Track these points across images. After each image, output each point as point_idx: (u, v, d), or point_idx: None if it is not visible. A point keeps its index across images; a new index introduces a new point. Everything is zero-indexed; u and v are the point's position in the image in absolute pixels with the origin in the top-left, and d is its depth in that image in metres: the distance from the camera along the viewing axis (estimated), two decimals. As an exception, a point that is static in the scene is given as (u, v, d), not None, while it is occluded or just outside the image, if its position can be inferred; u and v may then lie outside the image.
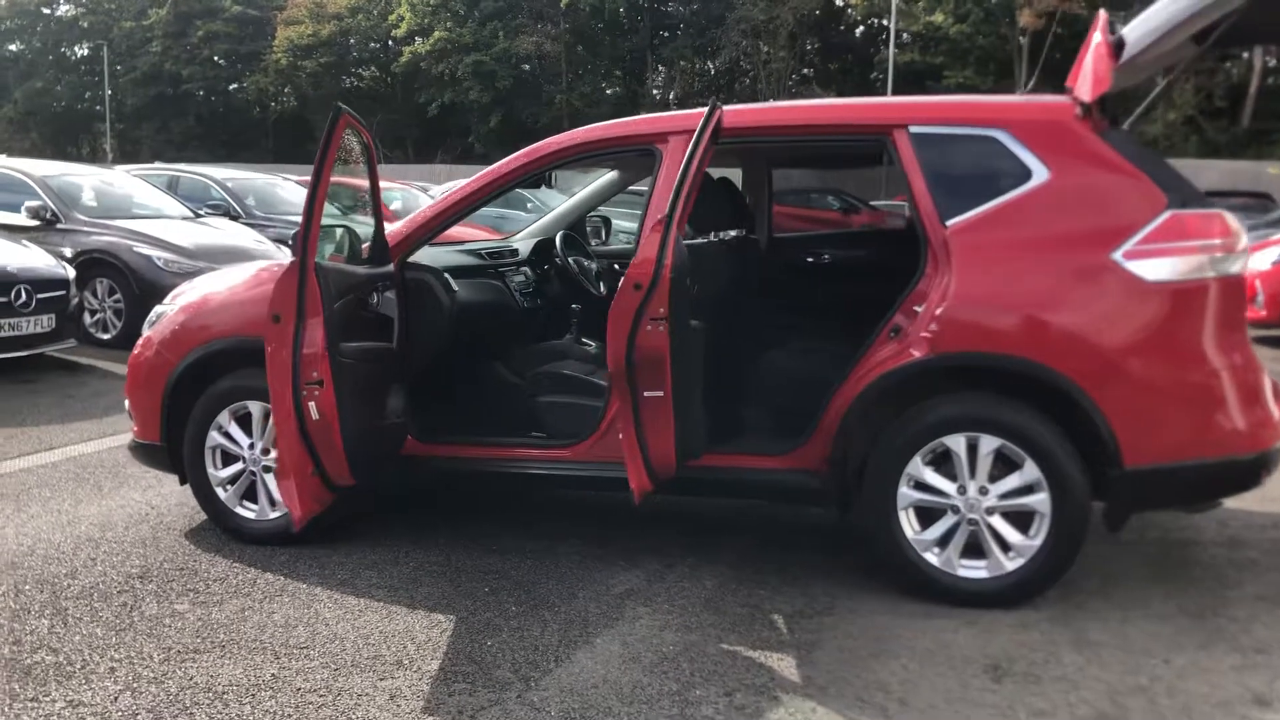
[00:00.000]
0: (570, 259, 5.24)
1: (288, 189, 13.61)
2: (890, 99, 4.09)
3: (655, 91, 56.22)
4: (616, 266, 5.78)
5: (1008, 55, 43.74)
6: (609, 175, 5.62)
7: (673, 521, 4.69)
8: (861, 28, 55.23)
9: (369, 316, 4.11)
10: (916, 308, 3.78)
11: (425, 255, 4.58)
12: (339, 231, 4.18)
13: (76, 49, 64.84)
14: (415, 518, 4.81)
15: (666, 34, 56.53)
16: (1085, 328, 3.62)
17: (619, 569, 4.21)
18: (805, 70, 54.13)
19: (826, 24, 54.20)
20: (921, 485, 3.78)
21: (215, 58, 59.71)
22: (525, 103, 53.67)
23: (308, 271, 3.59)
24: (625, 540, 4.50)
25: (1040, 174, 3.72)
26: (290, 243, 4.15)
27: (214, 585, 4.02)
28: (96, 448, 6.18)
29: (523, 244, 5.53)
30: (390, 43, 58.15)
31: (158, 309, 4.80)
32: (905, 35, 47.30)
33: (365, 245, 4.30)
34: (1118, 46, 3.72)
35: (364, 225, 4.55)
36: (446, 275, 4.46)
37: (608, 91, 57.23)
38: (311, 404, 3.62)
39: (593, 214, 5.95)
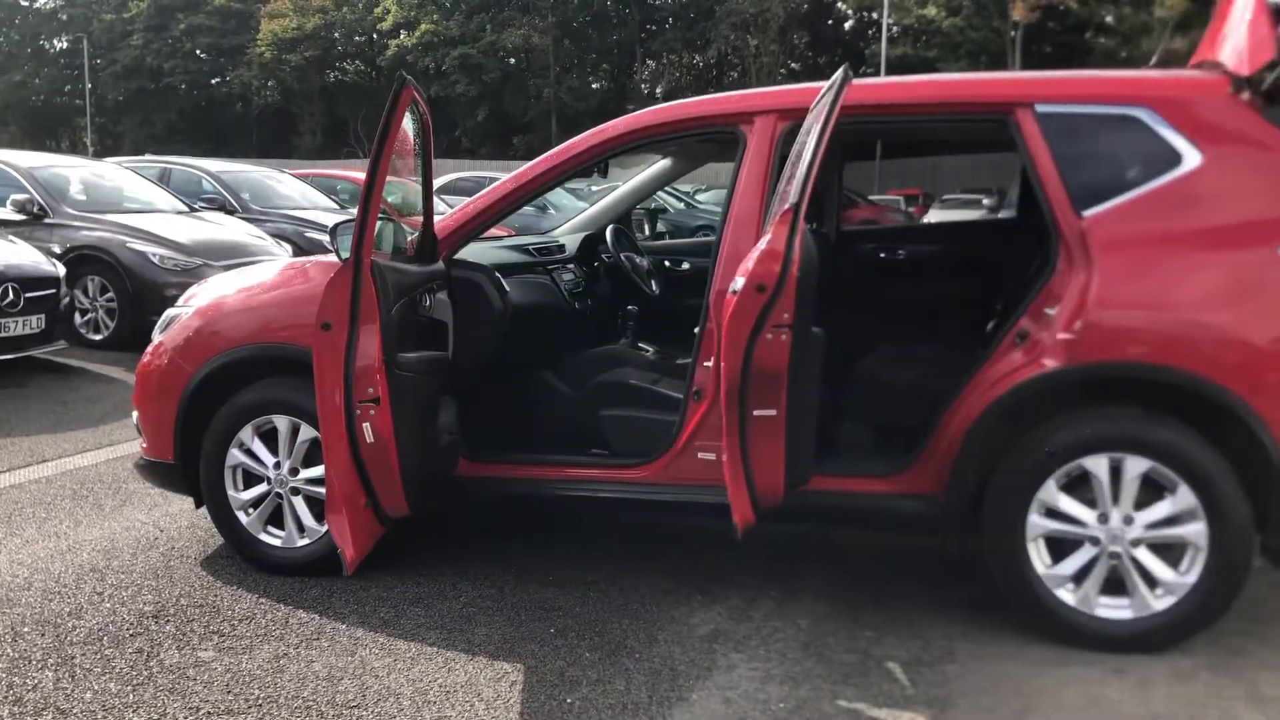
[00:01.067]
0: (623, 255, 4.77)
1: (285, 182, 13.07)
2: (1012, 74, 3.62)
3: (643, 85, 55.81)
4: (668, 263, 5.32)
5: (1000, 48, 43.47)
6: (659, 164, 5.14)
7: (742, 546, 4.20)
8: (852, 21, 54.95)
9: (421, 321, 3.63)
10: (1048, 310, 3.31)
11: (472, 252, 4.10)
12: (381, 224, 3.69)
13: (56, 41, 63.95)
14: (457, 544, 4.32)
15: (654, 27, 56.17)
16: (1250, 334, 3.17)
17: (696, 604, 3.74)
18: (794, 64, 53.82)
19: (816, 17, 53.95)
20: (1055, 513, 3.32)
21: (197, 51, 59.04)
22: (512, 96, 53.22)
23: (364, 271, 3.10)
24: (695, 569, 4.03)
25: (1191, 158, 3.27)
26: (329, 239, 3.65)
27: (240, 626, 3.54)
28: (94, 460, 5.69)
29: (569, 239, 5.05)
30: (375, 36, 57.55)
31: (170, 311, 4.30)
32: (896, 29, 46.99)
33: (411, 240, 3.81)
34: (1275, 12, 3.26)
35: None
36: (497, 274, 3.98)
37: (594, 86, 56.83)
38: (366, 425, 3.14)
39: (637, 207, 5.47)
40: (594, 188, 19.78)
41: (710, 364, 3.59)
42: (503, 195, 3.90)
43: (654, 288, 4.91)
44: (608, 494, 3.78)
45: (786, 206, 2.72)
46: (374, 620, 3.58)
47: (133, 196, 10.42)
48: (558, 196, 17.61)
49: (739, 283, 2.85)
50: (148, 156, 15.53)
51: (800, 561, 4.14)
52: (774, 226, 2.74)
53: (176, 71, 58.03)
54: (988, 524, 3.38)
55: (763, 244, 2.80)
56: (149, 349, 4.24)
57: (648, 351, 4.57)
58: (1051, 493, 3.30)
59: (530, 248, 4.68)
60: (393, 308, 3.25)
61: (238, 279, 4.28)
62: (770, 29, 49.68)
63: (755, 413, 2.90)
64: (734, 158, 3.77)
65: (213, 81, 60.41)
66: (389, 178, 3.28)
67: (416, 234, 3.81)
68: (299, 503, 3.92)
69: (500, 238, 5.22)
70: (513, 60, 54.36)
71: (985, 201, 19.06)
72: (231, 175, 12.38)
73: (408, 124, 3.52)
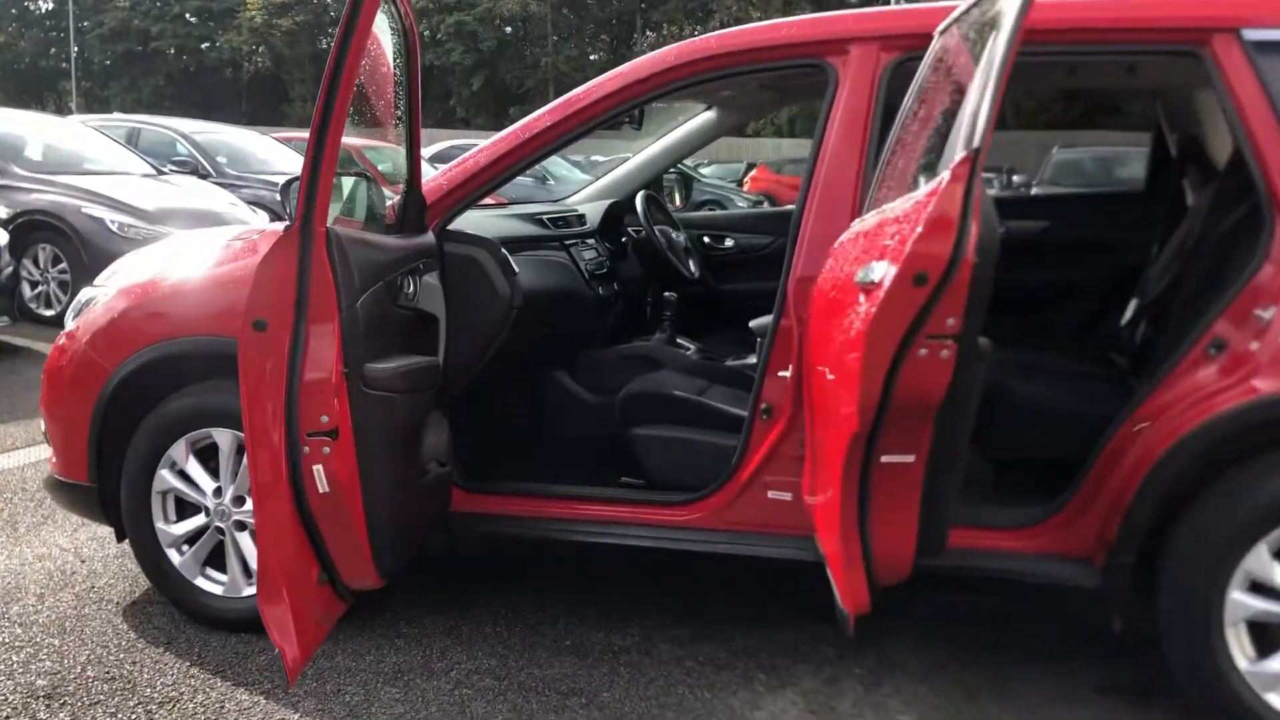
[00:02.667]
0: (656, 229, 3.87)
1: (264, 146, 12.11)
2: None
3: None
4: (707, 239, 4.42)
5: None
6: (701, 116, 4.21)
7: (801, 594, 3.30)
8: (857, -6, 53.95)
9: (403, 315, 2.71)
10: (1260, 311, 2.42)
11: (470, 222, 3.20)
12: (351, 182, 2.78)
13: (40, 2, 62.51)
14: (450, 589, 3.43)
15: (656, -3, 55.00)
16: None
17: (760, 687, 2.85)
18: (797, 38, 52.69)
19: (821, -10, 52.86)
20: (1266, 589, 2.44)
21: (186, 14, 57.82)
22: (508, 65, 52.22)
23: (314, 244, 2.20)
24: (755, 633, 3.15)
25: None
26: (280, 198, 2.72)
27: (158, 714, 2.65)
28: (20, 461, 4.81)
29: (590, 208, 4.13)
30: (369, 1, 56.27)
31: (86, 291, 3.41)
32: (904, 2, 45.97)
33: (390, 205, 2.90)
34: None
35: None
36: (504, 250, 3.07)
37: (592, 57, 55.78)
38: (318, 468, 2.23)
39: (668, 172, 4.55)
40: (596, 158, 18.78)
41: (786, 373, 2.71)
42: (513, 147, 2.99)
43: (693, 269, 4.02)
44: (643, 541, 2.92)
45: (963, 154, 1.79)
46: (336, 708, 2.70)
47: (94, 158, 9.50)
48: (555, 165, 16.63)
49: (879, 271, 1.93)
50: (116, 115, 14.59)
51: (885, 619, 3.25)
52: (947, 183, 1.82)
53: (165, 35, 56.77)
54: (1167, 599, 2.50)
55: (921, 208, 1.85)
56: (60, 339, 3.36)
57: (689, 349, 3.68)
58: (1263, 561, 2.42)
59: (544, 218, 3.76)
60: (360, 297, 2.34)
61: (172, 251, 3.39)
62: (774, 2, 48.57)
63: (884, 459, 2.00)
64: (815, 102, 2.89)
65: (202, 46, 59.12)
66: (355, 117, 2.37)
67: (398, 196, 2.89)
68: (245, 540, 3.04)
69: (501, 205, 4.31)
70: (509, 29, 53.24)
71: (1015, 178, 18.00)
72: (206, 136, 11.44)
73: (384, 36, 2.59)
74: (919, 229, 1.81)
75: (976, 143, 1.77)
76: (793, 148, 30.47)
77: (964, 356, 1.89)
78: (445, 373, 2.92)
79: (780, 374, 2.72)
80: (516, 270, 3.08)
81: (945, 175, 1.81)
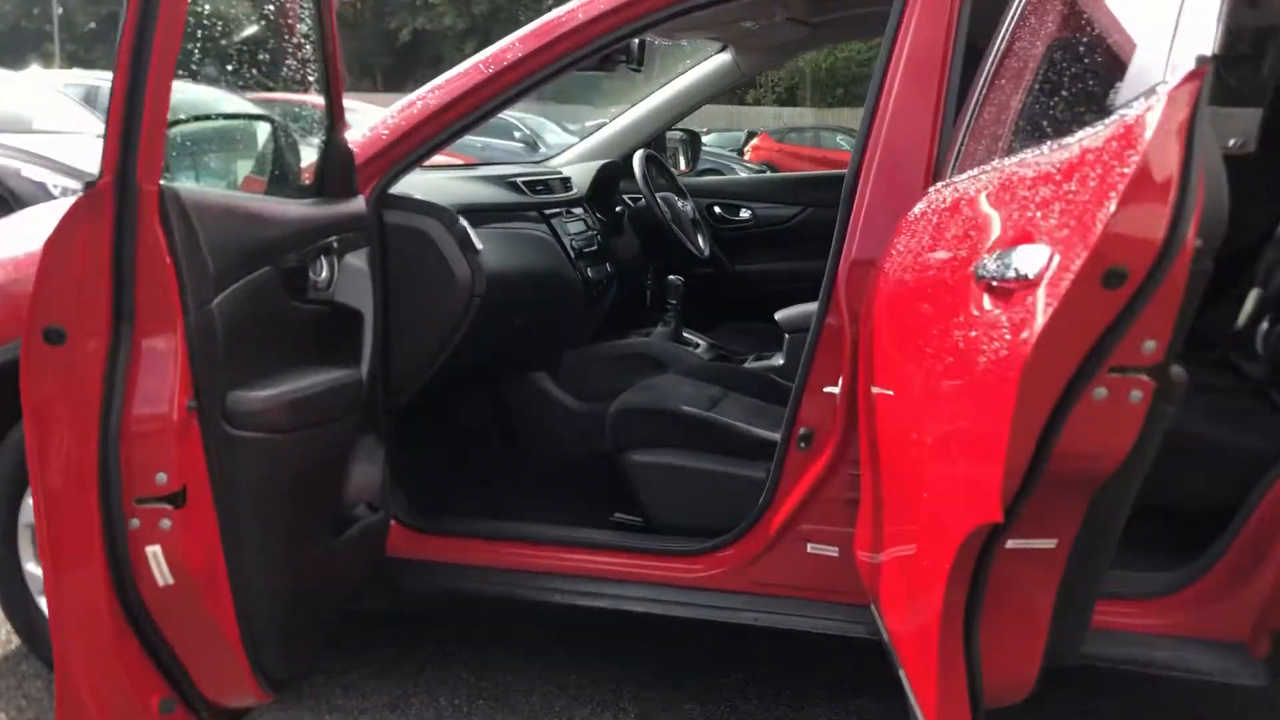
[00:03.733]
0: (659, 196, 3.18)
1: (238, 106, 11.35)
2: None
3: (639, 23, 54.02)
4: (718, 209, 3.74)
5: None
6: (713, 60, 3.51)
7: (834, 656, 2.63)
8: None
9: (308, 312, 2.00)
10: None
11: (418, 184, 2.51)
12: (256, 131, 2.09)
13: (23, -38, 61.40)
14: (395, 645, 2.76)
15: (654, -40, 54.29)
16: None
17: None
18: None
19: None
20: None
21: (173, -26, 57.00)
22: (503, 29, 51.18)
23: (140, 212, 1.50)
24: (771, 706, 2.49)
25: None
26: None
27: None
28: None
29: (576, 170, 3.42)
30: (360, -37, 55.26)
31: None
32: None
33: (306, 164, 2.21)
34: None
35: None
36: (463, 221, 2.38)
37: (588, 22, 55.00)
38: (153, 550, 1.54)
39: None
40: (588, 123, 18.03)
41: (835, 389, 2.04)
42: (473, 86, 2.31)
43: (702, 245, 3.33)
44: (640, 605, 2.26)
45: (1190, 68, 1.07)
46: (236, 827, 2.04)
47: (44, 117, 8.76)
48: (547, 131, 15.84)
49: (1030, 260, 1.19)
50: (75, 71, 13.81)
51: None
52: (1162, 113, 1.07)
53: (150, -3, 55.94)
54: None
55: (1109, 159, 1.12)
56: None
57: (698, 346, 3.00)
58: None
59: (518, 181, 3.05)
60: (222, 290, 1.63)
61: (39, 223, 2.69)
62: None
63: (1012, 544, 1.32)
64: (846, 47, 2.19)
65: (189, 8, 58.27)
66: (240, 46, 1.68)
67: (318, 151, 2.19)
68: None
69: (462, 166, 3.62)
70: (503, -9, 52.40)
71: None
72: (174, 96, 10.67)
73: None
74: (1113, 195, 1.11)
75: (1209, 47, 1.07)
76: (793, 116, 29.69)
77: (1158, 398, 1.21)
78: (385, 383, 2.24)
79: (827, 390, 2.05)
80: (479, 247, 2.39)
81: (1152, 104, 1.11)
